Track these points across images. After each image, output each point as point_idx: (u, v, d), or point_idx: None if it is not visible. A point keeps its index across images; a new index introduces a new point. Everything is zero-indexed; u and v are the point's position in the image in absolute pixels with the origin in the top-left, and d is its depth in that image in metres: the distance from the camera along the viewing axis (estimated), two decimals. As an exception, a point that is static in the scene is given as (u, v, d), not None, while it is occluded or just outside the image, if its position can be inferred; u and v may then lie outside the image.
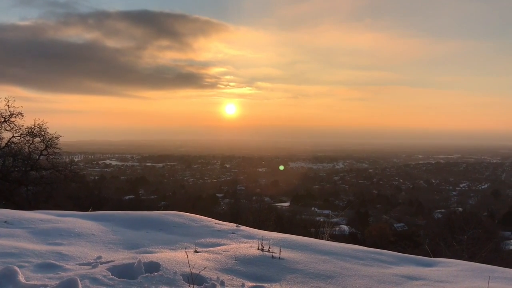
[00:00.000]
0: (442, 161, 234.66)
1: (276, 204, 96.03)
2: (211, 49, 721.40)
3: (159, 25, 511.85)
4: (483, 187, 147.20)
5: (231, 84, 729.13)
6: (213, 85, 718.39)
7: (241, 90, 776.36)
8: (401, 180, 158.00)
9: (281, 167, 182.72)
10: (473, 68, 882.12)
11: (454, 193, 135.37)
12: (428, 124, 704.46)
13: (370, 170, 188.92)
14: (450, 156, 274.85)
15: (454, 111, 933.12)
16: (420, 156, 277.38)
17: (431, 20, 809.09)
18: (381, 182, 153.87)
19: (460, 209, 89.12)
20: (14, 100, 24.47)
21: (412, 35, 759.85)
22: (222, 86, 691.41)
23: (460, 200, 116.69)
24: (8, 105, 24.40)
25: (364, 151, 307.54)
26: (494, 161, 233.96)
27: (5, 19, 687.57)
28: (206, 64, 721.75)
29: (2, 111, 24.55)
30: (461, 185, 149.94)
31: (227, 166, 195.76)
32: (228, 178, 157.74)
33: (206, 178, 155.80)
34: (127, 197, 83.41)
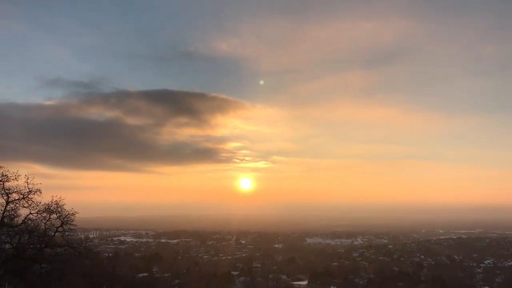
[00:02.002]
0: (464, 236, 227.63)
1: (293, 282, 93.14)
2: (227, 125, 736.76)
3: (178, 103, 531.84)
4: (509, 263, 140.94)
5: (247, 158, 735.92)
6: (229, 160, 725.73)
7: (257, 164, 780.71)
8: (423, 257, 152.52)
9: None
10: (488, 142, 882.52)
11: (479, 270, 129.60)
12: (446, 198, 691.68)
13: (390, 246, 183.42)
14: (471, 231, 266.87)
15: (470, 185, 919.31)
16: (441, 231, 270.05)
17: (442, 95, 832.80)
18: (401, 258, 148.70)
19: (487, 287, 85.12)
20: (34, 177, 24.94)
21: (423, 109, 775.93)
22: (238, 160, 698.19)
23: (486, 278, 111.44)
24: (27, 182, 24.84)
25: (383, 225, 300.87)
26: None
27: (31, 100, 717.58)
28: (222, 139, 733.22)
29: (21, 188, 24.96)
30: (485, 262, 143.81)
31: (242, 242, 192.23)
32: (244, 254, 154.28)
33: (221, 254, 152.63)
34: (141, 275, 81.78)
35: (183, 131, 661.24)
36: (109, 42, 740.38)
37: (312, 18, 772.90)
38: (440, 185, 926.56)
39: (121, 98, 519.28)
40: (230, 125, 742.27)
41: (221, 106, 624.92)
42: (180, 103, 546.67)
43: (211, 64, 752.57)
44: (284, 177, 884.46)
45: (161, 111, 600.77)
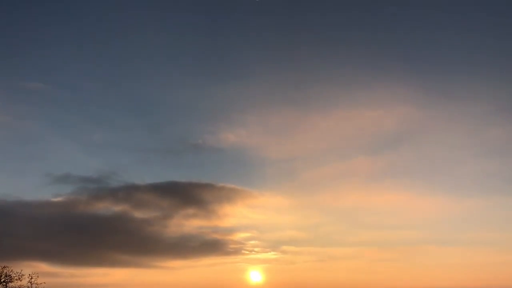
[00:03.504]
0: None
1: None
2: (236, 215, 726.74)
3: (186, 194, 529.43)
4: None
5: (256, 249, 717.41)
6: (237, 251, 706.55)
7: (266, 255, 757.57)
8: None
9: None
10: (503, 224, 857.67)
11: None
12: (464, 283, 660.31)
13: None
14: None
15: (488, 269, 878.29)
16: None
17: (450, 178, 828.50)
18: None
19: None
20: (38, 276, 24.68)
21: (432, 193, 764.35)
22: (247, 252, 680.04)
23: None
24: (31, 282, 24.49)
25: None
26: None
27: (39, 197, 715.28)
28: (230, 230, 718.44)
29: (24, 288, 24.52)
30: None
31: None
32: None
33: None
34: None
35: (190, 223, 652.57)
36: (120, 138, 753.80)
37: (316, 108, 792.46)
38: (457, 270, 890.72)
39: (129, 191, 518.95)
40: (238, 215, 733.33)
41: (229, 195, 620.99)
42: (188, 194, 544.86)
43: (219, 154, 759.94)
44: (295, 268, 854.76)
45: (169, 203, 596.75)
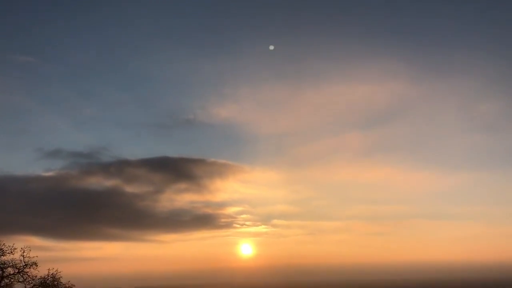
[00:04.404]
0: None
1: None
2: (227, 190, 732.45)
3: (177, 169, 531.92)
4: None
5: (247, 223, 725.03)
6: (229, 225, 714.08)
7: (257, 229, 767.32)
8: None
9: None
10: (492, 198, 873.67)
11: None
12: (453, 257, 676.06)
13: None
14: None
15: (476, 242, 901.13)
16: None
17: (440, 153, 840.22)
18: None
19: None
20: (30, 250, 24.58)
21: (422, 168, 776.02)
22: (238, 226, 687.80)
23: None
24: (23, 256, 24.43)
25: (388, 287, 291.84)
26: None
27: (30, 172, 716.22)
28: (222, 204, 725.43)
29: (16, 261, 24.51)
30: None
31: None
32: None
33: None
34: None
35: (182, 197, 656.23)
36: (109, 112, 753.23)
37: (308, 83, 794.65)
38: (445, 243, 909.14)
39: (120, 166, 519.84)
40: (229, 190, 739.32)
41: (221, 170, 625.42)
42: (180, 169, 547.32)
43: (210, 129, 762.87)
44: (285, 241, 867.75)
45: (160, 178, 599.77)
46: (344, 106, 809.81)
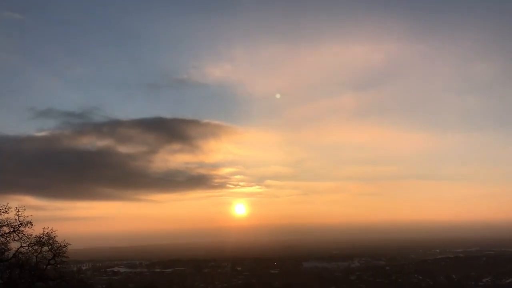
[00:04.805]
0: (461, 255, 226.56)
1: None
2: (221, 151, 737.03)
3: (171, 130, 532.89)
4: (507, 281, 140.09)
5: (241, 183, 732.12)
6: (222, 185, 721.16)
7: (251, 189, 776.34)
8: (420, 277, 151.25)
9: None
10: (483, 159, 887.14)
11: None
12: (443, 217, 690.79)
13: (387, 268, 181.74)
14: (468, 250, 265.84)
15: (466, 202, 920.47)
16: (438, 250, 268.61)
17: (434, 113, 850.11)
18: (399, 280, 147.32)
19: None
20: (24, 209, 24.61)
21: (417, 129, 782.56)
22: (232, 186, 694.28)
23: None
24: (18, 215, 24.47)
25: (380, 247, 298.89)
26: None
27: (22, 131, 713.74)
28: (216, 165, 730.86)
29: (11, 220, 24.58)
30: (484, 280, 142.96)
31: (238, 268, 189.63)
32: (240, 282, 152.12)
33: (216, 282, 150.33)
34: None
35: (176, 158, 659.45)
36: (101, 71, 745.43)
37: (304, 41, 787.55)
38: (436, 203, 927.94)
39: (113, 127, 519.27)
40: (223, 151, 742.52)
41: (214, 131, 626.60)
42: (173, 130, 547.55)
43: (204, 90, 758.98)
44: (279, 202, 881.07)
45: (154, 138, 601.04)
46: (339, 66, 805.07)
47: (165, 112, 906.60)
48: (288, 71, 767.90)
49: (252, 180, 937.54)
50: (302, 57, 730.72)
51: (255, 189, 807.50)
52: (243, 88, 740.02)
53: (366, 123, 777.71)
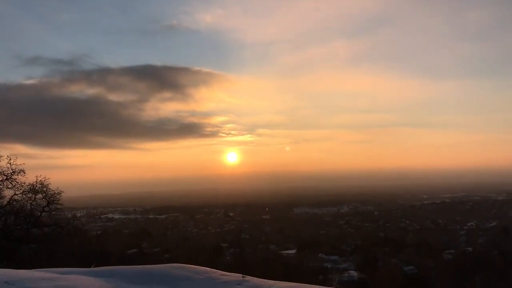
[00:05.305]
0: (447, 200, 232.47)
1: (282, 252, 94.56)
2: (212, 99, 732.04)
3: (161, 78, 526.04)
4: (491, 225, 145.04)
5: (233, 132, 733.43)
6: (214, 134, 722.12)
7: (242, 138, 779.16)
8: (408, 222, 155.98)
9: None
10: (471, 106, 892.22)
11: (462, 232, 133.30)
12: (431, 163, 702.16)
13: (376, 213, 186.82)
14: (455, 195, 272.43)
15: (455, 149, 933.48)
16: (425, 196, 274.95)
17: (427, 61, 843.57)
18: (387, 224, 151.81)
19: (469, 249, 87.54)
20: (16, 158, 24.58)
21: (409, 77, 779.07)
22: (224, 135, 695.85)
23: (469, 240, 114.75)
24: (10, 163, 24.47)
25: (368, 193, 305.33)
26: (500, 198, 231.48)
27: (11, 79, 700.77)
28: (207, 114, 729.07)
29: (4, 168, 24.61)
30: (468, 224, 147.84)
31: (231, 214, 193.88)
32: (232, 227, 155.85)
33: (210, 228, 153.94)
34: (130, 251, 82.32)
35: (167, 106, 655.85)
36: (90, 17, 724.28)
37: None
38: (426, 151, 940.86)
39: (103, 74, 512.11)
40: (215, 99, 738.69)
41: (206, 79, 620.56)
42: (164, 78, 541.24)
43: (194, 36, 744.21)
44: (270, 150, 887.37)
45: (144, 86, 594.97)
46: (332, 13, 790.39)
47: (156, 59, 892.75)
48: (281, 17, 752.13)
49: (244, 129, 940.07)
50: (295, 2, 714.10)
51: (247, 137, 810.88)
52: (235, 35, 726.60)
53: (359, 70, 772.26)
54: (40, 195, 25.46)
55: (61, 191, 26.00)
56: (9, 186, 24.88)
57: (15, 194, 25.04)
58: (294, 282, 8.82)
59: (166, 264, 9.95)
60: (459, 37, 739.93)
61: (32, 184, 25.11)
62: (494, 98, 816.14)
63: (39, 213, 25.69)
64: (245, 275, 8.98)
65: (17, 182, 24.82)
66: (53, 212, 25.77)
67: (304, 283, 8.76)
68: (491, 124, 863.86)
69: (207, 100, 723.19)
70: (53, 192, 25.64)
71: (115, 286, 7.60)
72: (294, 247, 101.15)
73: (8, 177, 24.64)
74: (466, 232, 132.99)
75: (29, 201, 25.33)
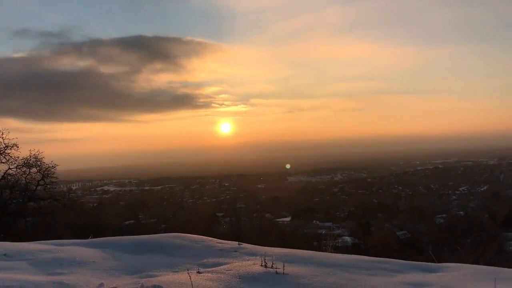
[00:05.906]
0: (440, 166, 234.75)
1: (277, 219, 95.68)
2: (205, 69, 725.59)
3: (153, 49, 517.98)
4: (482, 189, 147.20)
5: (226, 102, 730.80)
6: (207, 105, 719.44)
7: (236, 108, 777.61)
8: (401, 188, 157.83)
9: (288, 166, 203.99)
10: (464, 72, 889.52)
11: (454, 197, 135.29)
12: (424, 130, 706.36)
13: (369, 180, 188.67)
14: (447, 161, 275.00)
15: (448, 116, 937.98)
16: (418, 162, 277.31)
17: (421, 27, 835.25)
18: (380, 191, 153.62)
19: (461, 213, 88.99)
20: (9, 132, 24.45)
21: (403, 43, 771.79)
22: (217, 105, 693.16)
23: (461, 204, 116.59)
24: (2, 138, 24.35)
25: (362, 160, 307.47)
26: (491, 162, 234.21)
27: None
28: (200, 84, 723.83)
29: (-4, 143, 24.48)
30: (460, 189, 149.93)
31: (226, 184, 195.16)
32: (228, 196, 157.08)
33: (205, 198, 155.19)
34: (127, 222, 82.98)
35: (159, 78, 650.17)
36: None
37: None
38: (419, 117, 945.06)
39: (93, 46, 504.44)
40: (207, 69, 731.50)
41: (197, 49, 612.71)
42: (155, 49, 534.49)
43: (185, 5, 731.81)
44: (264, 120, 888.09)
45: (136, 57, 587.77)
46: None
47: (146, 30, 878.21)
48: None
49: (237, 99, 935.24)
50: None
51: (240, 107, 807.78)
52: (226, 3, 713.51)
53: (352, 37, 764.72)
54: (34, 169, 25.47)
55: (55, 164, 26.01)
56: (3, 161, 24.83)
57: (9, 168, 25.02)
58: (289, 248, 9.00)
59: (162, 234, 10.08)
60: (454, 1, 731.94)
61: (26, 158, 25.07)
62: (488, 64, 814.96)
63: (35, 187, 25.75)
64: (241, 243, 9.14)
65: (11, 157, 24.78)
66: (48, 186, 25.83)
67: (299, 249, 8.94)
68: (484, 90, 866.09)
69: (199, 70, 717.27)
70: (47, 165, 25.64)
71: (112, 256, 7.72)
72: (289, 215, 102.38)
73: (1, 151, 24.57)
74: (458, 196, 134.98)
75: (23, 175, 25.34)
